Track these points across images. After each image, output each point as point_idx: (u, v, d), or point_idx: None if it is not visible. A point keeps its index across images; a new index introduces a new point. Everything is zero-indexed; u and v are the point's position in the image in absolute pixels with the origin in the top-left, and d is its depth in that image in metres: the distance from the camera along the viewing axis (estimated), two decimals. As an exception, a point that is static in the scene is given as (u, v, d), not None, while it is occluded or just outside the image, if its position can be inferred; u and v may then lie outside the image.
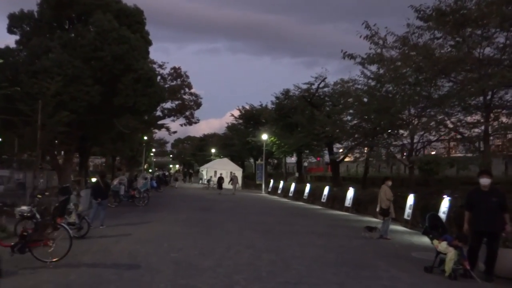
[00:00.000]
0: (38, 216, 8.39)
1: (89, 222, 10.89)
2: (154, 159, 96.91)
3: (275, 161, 54.09)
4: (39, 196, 11.62)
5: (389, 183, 12.92)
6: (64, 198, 9.65)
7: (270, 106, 39.25)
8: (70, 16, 22.53)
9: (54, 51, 19.99)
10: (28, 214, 8.34)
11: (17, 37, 22.44)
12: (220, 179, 36.27)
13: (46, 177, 23.84)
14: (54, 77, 18.62)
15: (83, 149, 28.34)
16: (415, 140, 18.76)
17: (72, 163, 27.25)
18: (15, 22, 22.25)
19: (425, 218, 8.97)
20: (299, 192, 29.74)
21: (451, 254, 7.84)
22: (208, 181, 43.95)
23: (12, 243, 7.64)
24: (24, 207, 8.75)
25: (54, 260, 7.60)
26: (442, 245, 8.12)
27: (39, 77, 18.66)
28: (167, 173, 57.25)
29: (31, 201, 12.35)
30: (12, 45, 22.13)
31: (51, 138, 20.19)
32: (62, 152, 28.03)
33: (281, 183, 35.73)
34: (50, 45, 20.13)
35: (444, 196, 13.88)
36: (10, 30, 22.42)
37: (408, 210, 15.52)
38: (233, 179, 37.24)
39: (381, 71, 16.46)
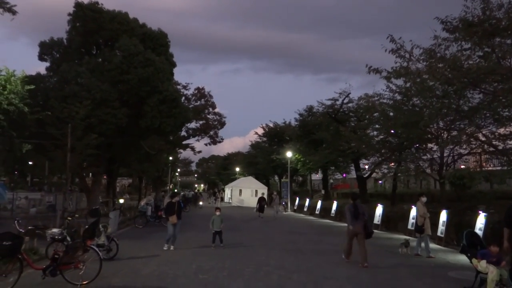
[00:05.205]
0: (68, 238, 8.47)
1: (117, 244, 10.85)
2: (179, 179, 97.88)
3: (300, 179, 53.62)
4: (69, 218, 11.77)
5: (423, 199, 12.49)
6: (94, 220, 9.72)
7: (293, 123, 39.15)
8: (97, 41, 23.31)
9: (82, 76, 20.63)
10: (59, 237, 8.45)
11: (47, 64, 23.36)
12: (262, 200, 29.85)
13: (76, 199, 24.29)
14: (83, 101, 19.18)
15: (110, 171, 28.89)
16: (445, 154, 18.23)
17: (100, 185, 27.76)
18: (46, 49, 23.17)
19: (461, 236, 8.59)
20: (325, 210, 29.24)
21: (492, 274, 7.44)
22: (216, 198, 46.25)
23: (44, 266, 7.70)
24: (55, 230, 8.86)
25: (85, 282, 7.62)
26: (482, 264, 7.72)
27: (68, 102, 19.25)
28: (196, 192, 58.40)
29: (61, 223, 12.54)
30: (43, 72, 23.05)
31: (80, 161, 20.66)
32: (91, 174, 28.65)
33: (307, 200, 35.28)
34: (79, 71, 20.80)
35: (479, 211, 13.33)
36: (41, 58, 23.33)
37: (441, 227, 14.98)
38: (274, 199, 30.87)
39: (408, 84, 16.14)
